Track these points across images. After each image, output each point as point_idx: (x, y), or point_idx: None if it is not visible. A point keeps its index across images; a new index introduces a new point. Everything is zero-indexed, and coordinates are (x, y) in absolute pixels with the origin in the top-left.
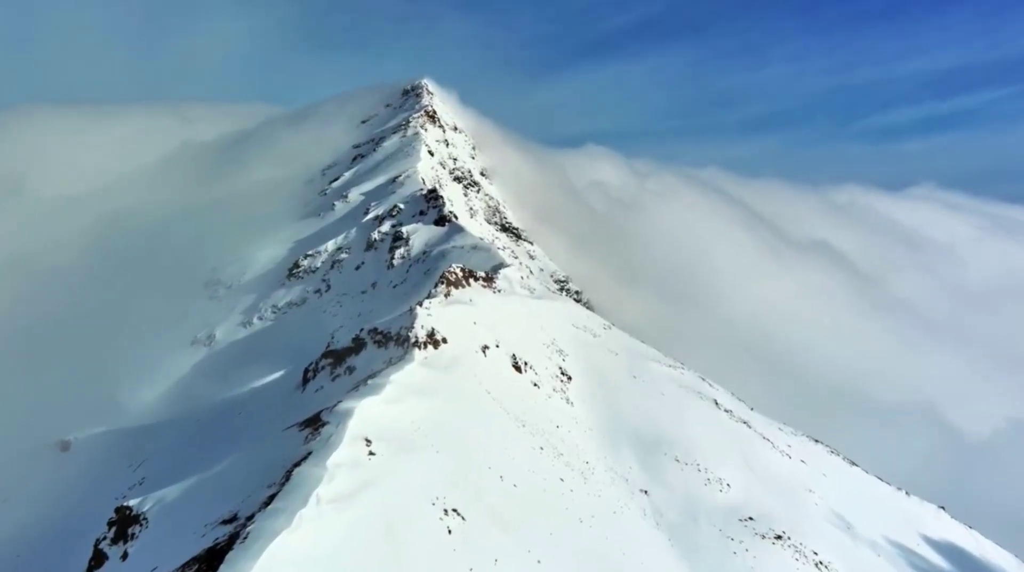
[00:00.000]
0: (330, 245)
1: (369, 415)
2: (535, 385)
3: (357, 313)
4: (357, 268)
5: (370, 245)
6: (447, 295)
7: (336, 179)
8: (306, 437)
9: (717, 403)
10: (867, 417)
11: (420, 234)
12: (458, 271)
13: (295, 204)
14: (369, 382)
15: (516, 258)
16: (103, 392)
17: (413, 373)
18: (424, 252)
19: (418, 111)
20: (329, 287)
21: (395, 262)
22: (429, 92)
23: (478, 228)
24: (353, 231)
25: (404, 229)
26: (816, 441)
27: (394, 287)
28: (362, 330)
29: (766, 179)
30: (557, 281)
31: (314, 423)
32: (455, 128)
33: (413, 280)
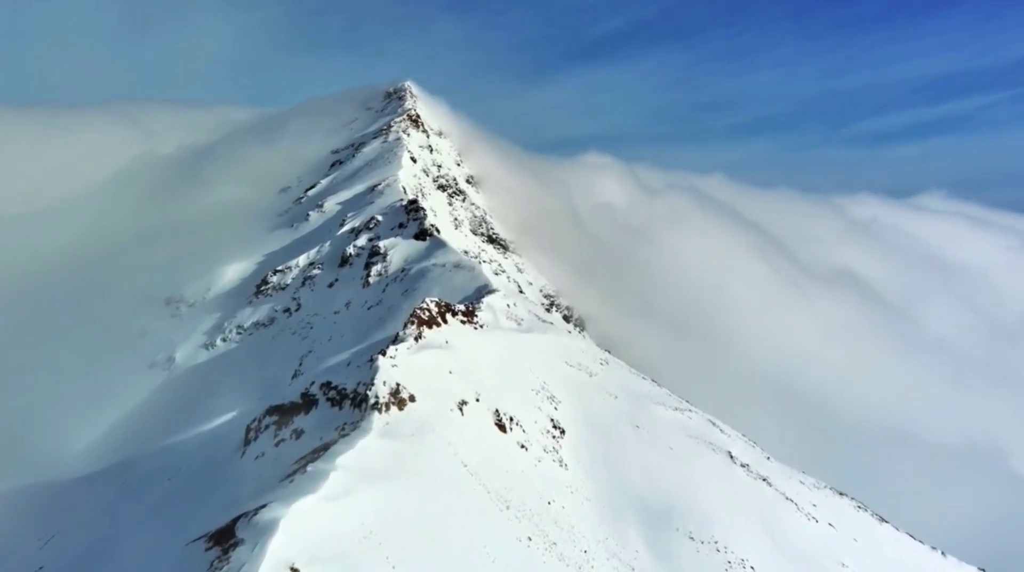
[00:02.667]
0: (301, 260)
1: (301, 527)
2: (522, 446)
3: (328, 337)
4: (330, 285)
5: (345, 260)
6: (418, 338)
7: (312, 186)
8: (212, 563)
9: (732, 456)
10: (913, 461)
11: (399, 249)
12: (432, 307)
13: (264, 219)
14: (309, 469)
15: (503, 271)
16: (31, 433)
17: (369, 450)
18: (402, 269)
19: (400, 115)
20: (299, 306)
21: (371, 280)
22: (412, 95)
23: (463, 239)
24: (327, 245)
25: (382, 243)
26: (841, 494)
27: (369, 308)
28: (312, 383)
29: (776, 188)
30: (547, 295)
31: (225, 539)
32: (440, 133)
33: (389, 301)
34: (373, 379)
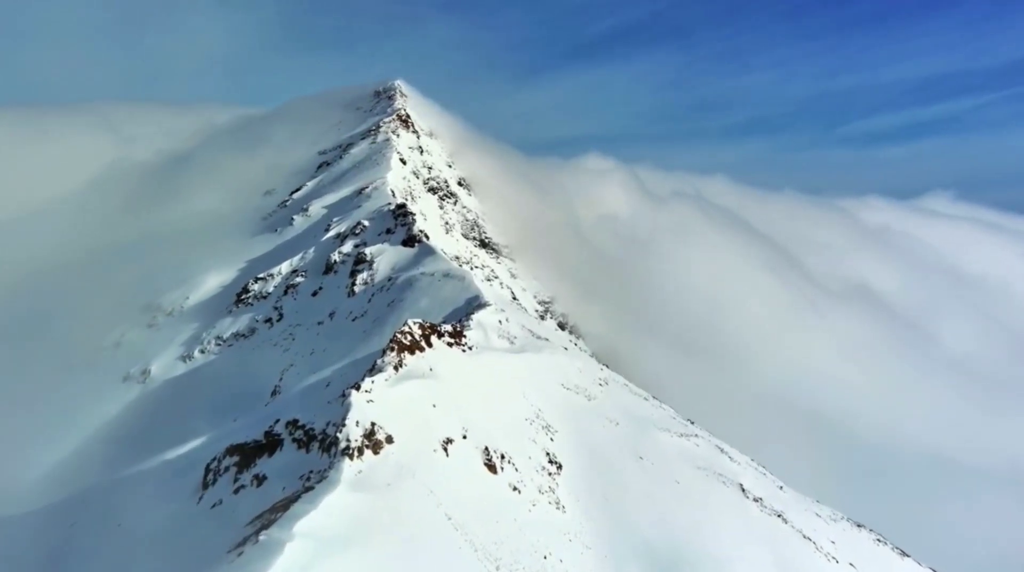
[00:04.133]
0: (284, 267)
1: None
2: (515, 489)
3: (310, 350)
4: (314, 294)
5: (329, 268)
6: (398, 366)
7: (298, 189)
8: None
9: (744, 489)
10: (947, 487)
11: (386, 256)
12: (415, 330)
13: (245, 228)
14: (262, 537)
15: (496, 277)
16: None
17: (335, 509)
18: (389, 278)
19: (390, 115)
20: (281, 316)
21: (356, 289)
22: (402, 94)
23: (454, 244)
24: (311, 251)
25: (368, 250)
26: (859, 526)
27: (353, 320)
28: (277, 421)
29: (780, 190)
30: (541, 302)
31: None
32: (431, 134)
33: (375, 312)
34: (344, 419)
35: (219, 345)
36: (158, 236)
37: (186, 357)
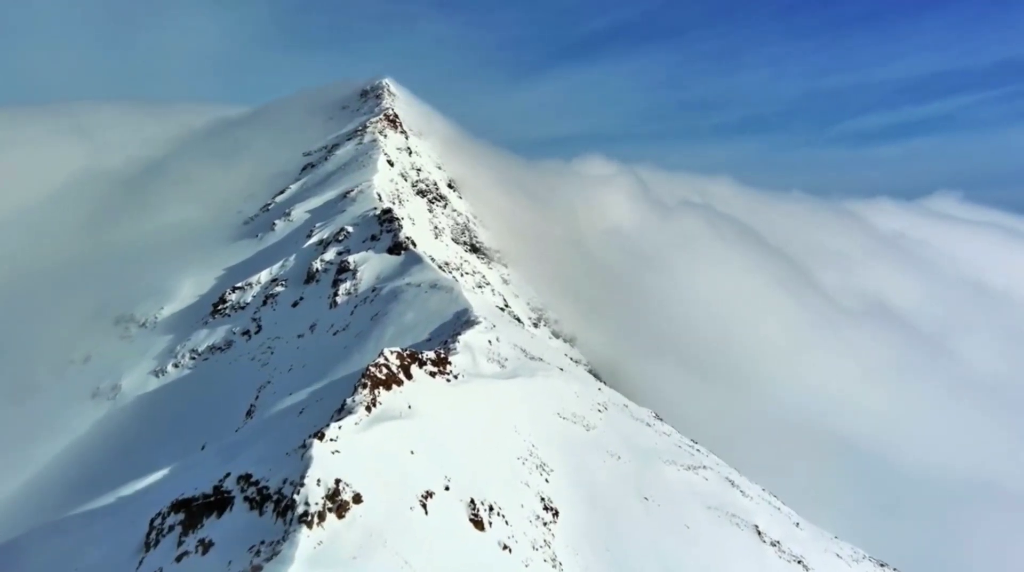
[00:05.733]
0: (263, 275)
1: None
2: (505, 548)
3: (288, 366)
4: (294, 305)
5: (311, 277)
6: (371, 406)
7: (281, 192)
8: None
9: (759, 531)
10: (986, 514)
11: (370, 265)
12: (391, 361)
13: (220, 239)
14: None
15: (488, 284)
16: None
17: None
18: (373, 289)
19: (377, 114)
20: (260, 328)
21: (339, 299)
22: (391, 93)
23: (444, 249)
24: (292, 258)
25: (351, 258)
26: (882, 564)
27: (334, 334)
28: (228, 475)
29: (787, 191)
30: (534, 309)
31: None
32: (420, 134)
33: (357, 326)
34: (303, 476)
35: (194, 359)
36: (130, 247)
37: (159, 372)
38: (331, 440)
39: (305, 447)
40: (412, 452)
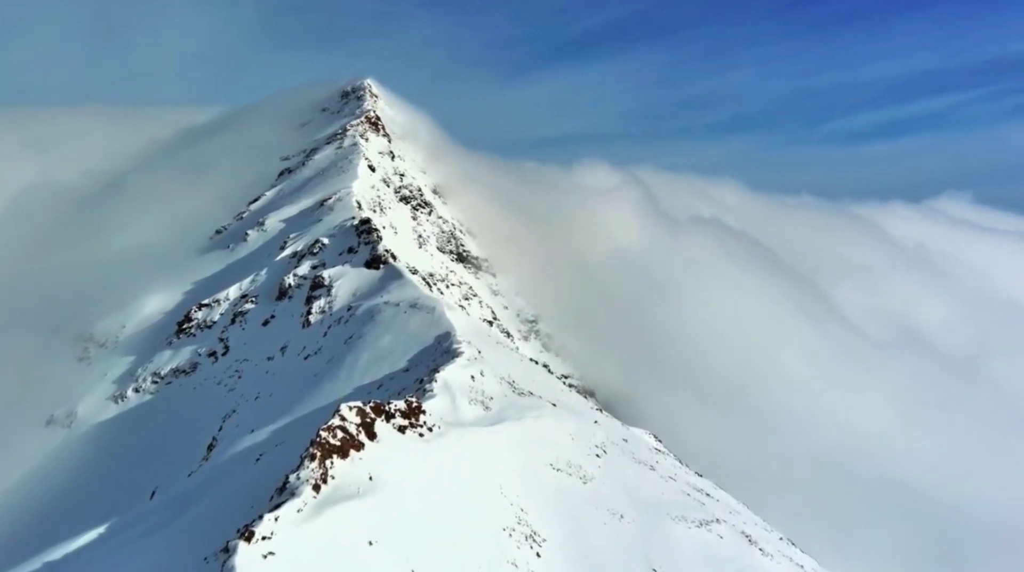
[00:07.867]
0: (232, 291)
1: None
2: None
3: (255, 394)
4: (265, 323)
5: (283, 293)
6: (320, 485)
7: (256, 199)
8: None
9: None
10: None
11: (347, 280)
12: (350, 419)
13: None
14: None
15: (475, 295)
16: None
17: None
18: (349, 307)
19: (358, 117)
20: (227, 349)
21: (312, 318)
22: (373, 94)
23: (428, 259)
24: (263, 273)
25: (326, 273)
26: None
27: (305, 358)
28: None
29: (796, 194)
30: (525, 321)
31: None
32: (404, 137)
33: (330, 349)
34: None
35: (156, 383)
36: (91, 262)
37: (118, 397)
38: (263, 538)
39: (228, 551)
40: (371, 543)
